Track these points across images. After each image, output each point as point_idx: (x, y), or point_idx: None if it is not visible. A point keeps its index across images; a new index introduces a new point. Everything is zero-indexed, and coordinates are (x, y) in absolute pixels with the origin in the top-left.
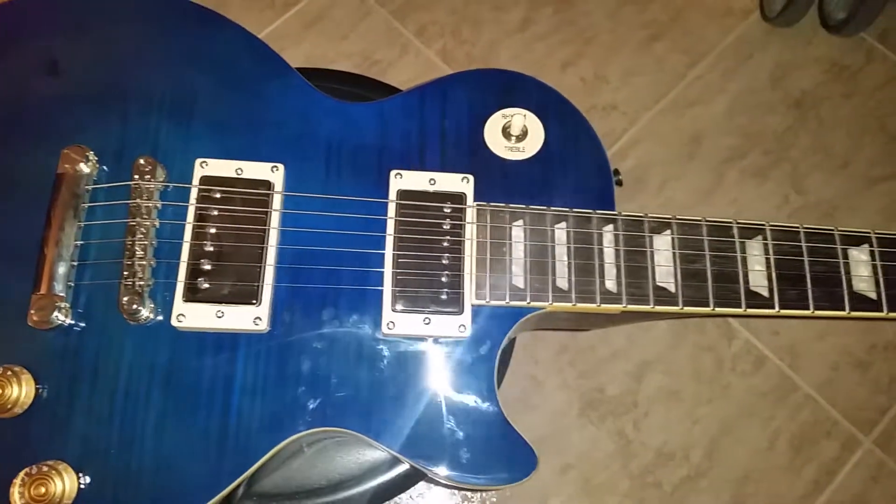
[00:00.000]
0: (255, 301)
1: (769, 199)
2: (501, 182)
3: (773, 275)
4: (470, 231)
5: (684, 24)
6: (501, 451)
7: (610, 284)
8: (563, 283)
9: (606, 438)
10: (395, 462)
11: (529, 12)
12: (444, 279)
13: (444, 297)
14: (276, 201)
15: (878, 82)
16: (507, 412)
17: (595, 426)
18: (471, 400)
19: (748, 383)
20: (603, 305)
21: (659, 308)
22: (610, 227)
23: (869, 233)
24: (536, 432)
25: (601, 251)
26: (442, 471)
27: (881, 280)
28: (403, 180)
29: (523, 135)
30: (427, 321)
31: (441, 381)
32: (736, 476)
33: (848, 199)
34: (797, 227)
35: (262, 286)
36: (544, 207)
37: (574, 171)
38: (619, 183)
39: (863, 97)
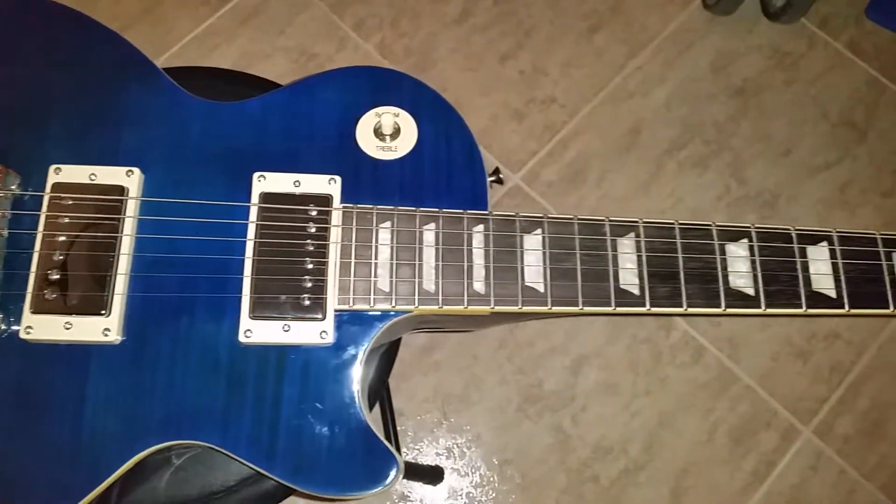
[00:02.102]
0: (104, 311)
1: (709, 190)
2: (372, 183)
3: (645, 272)
4: (335, 234)
5: (625, 14)
6: (364, 460)
7: (478, 286)
8: (430, 285)
9: (544, 433)
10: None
11: (468, 4)
12: (306, 284)
13: (306, 302)
14: (131, 207)
15: (820, 69)
16: (448, 409)
17: (533, 421)
18: (333, 408)
19: (687, 375)
20: (470, 307)
21: (527, 309)
22: (480, 227)
23: (749, 227)
24: (475, 429)
25: (470, 252)
26: (302, 483)
27: (759, 276)
28: (267, 182)
29: (396, 134)
30: (287, 328)
31: (302, 390)
32: (675, 469)
33: (789, 188)
34: (672, 224)
35: (112, 296)
36: (413, 208)
37: (447, 170)
38: (500, 181)
39: (804, 84)
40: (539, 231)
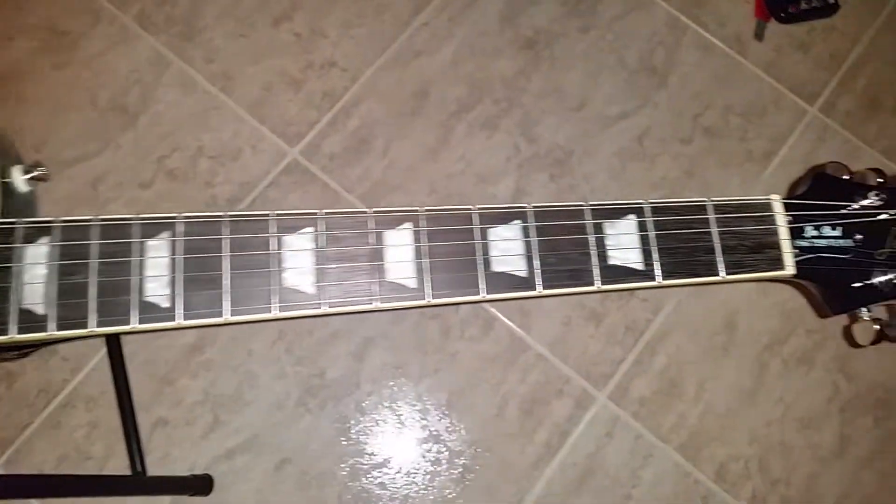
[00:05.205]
0: None
1: (499, 152)
2: None
3: (180, 278)
4: None
5: None
6: None
7: None
8: None
9: (326, 426)
10: None
11: None
12: None
13: None
14: None
15: (617, 12)
16: (220, 411)
17: (313, 415)
18: None
19: (477, 348)
20: None
21: (23, 337)
22: None
23: (315, 214)
24: (249, 430)
25: None
26: None
27: (315, 269)
28: None
29: None
30: None
31: None
32: (464, 448)
33: (582, 143)
34: (220, 217)
35: None
36: None
37: None
38: (44, 178)
39: (601, 30)
40: (46, 240)
